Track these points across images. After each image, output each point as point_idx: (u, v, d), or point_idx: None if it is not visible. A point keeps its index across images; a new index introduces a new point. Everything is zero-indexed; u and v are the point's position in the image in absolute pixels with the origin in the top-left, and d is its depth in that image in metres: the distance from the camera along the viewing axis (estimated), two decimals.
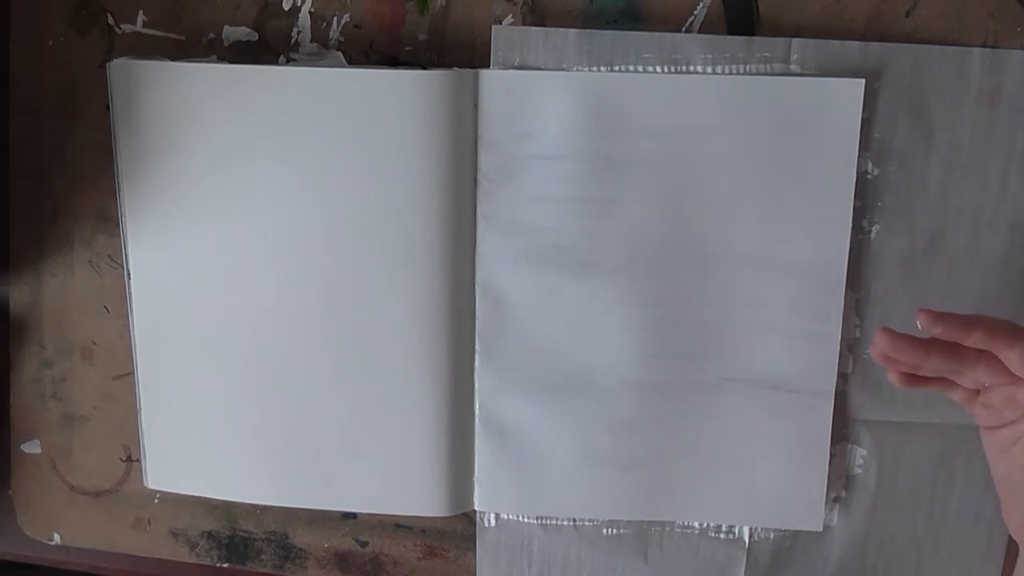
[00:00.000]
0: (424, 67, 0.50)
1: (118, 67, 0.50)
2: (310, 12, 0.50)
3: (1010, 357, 0.39)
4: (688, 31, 0.48)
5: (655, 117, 0.48)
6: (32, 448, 0.58)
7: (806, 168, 0.48)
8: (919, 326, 0.40)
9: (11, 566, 0.61)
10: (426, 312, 0.50)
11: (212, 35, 0.51)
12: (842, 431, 0.51)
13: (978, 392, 0.43)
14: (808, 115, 0.47)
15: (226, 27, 0.51)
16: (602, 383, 0.51)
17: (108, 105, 0.51)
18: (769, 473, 0.51)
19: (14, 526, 0.59)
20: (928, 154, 0.48)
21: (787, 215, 0.48)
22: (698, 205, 0.49)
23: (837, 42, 0.47)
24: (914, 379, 0.43)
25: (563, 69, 0.49)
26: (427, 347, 0.51)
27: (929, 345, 0.41)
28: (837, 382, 0.50)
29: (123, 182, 0.52)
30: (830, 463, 0.51)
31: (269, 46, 0.51)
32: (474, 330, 0.51)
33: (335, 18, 0.50)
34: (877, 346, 0.41)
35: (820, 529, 0.52)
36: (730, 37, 0.48)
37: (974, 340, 0.39)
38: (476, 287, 0.51)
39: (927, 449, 0.51)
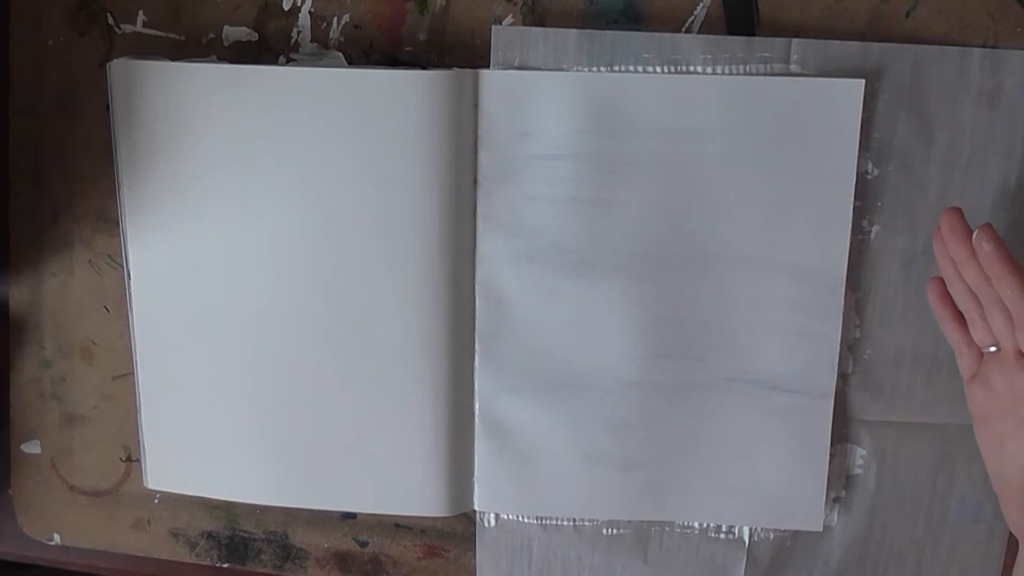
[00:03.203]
0: (424, 67, 0.50)
1: (118, 67, 0.50)
2: (310, 12, 0.51)
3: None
4: (688, 31, 0.48)
5: (655, 117, 0.48)
6: (32, 448, 0.58)
7: (806, 168, 0.48)
8: (976, 234, 0.41)
9: (11, 566, 0.61)
10: (426, 312, 0.50)
11: (212, 35, 0.51)
12: (842, 431, 0.51)
13: (981, 356, 0.43)
14: (808, 115, 0.47)
15: (226, 27, 0.51)
16: (602, 383, 0.51)
17: (108, 105, 0.51)
18: (769, 473, 0.51)
19: (14, 526, 0.59)
20: (928, 154, 0.48)
21: (787, 215, 0.48)
22: (698, 205, 0.49)
23: (837, 42, 0.47)
24: (943, 296, 0.45)
25: (563, 69, 0.49)
26: (427, 347, 0.51)
27: (974, 254, 0.42)
28: (837, 382, 0.50)
29: (123, 182, 0.52)
30: (830, 463, 0.51)
31: (269, 46, 0.51)
32: (474, 330, 0.51)
33: (335, 18, 0.50)
34: (943, 220, 0.43)
35: (820, 529, 0.52)
36: (730, 37, 0.48)
37: (1010, 283, 0.40)
38: (476, 287, 0.51)
39: (927, 449, 0.51)
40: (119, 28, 0.52)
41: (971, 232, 0.42)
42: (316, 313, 0.51)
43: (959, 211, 0.43)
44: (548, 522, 0.54)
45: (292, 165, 0.50)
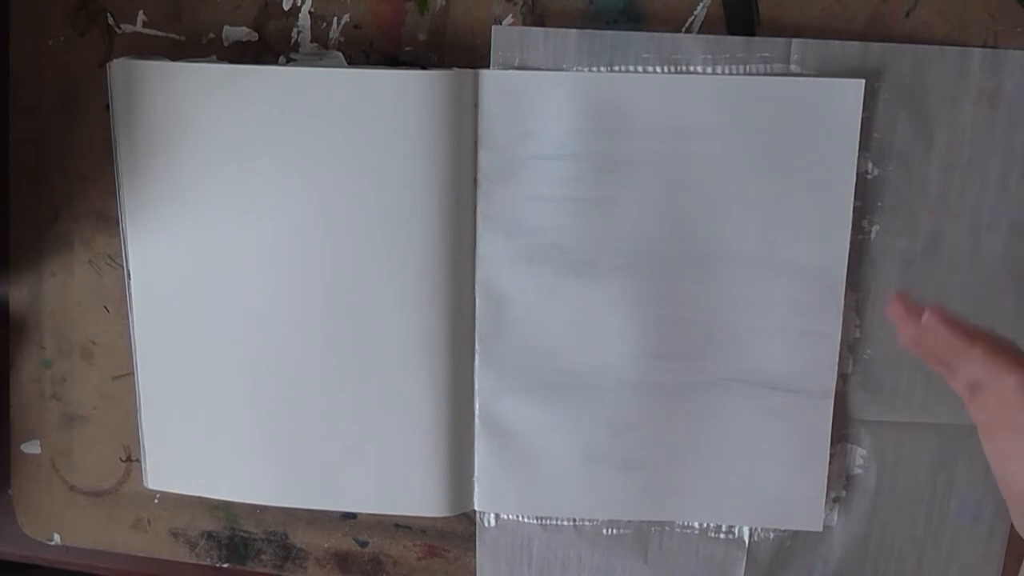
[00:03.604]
0: (424, 67, 0.50)
1: (118, 67, 0.50)
2: (310, 12, 0.51)
3: (1003, 387, 0.39)
4: (688, 31, 0.48)
5: (655, 117, 0.48)
6: (32, 448, 0.58)
7: (806, 168, 0.48)
8: (924, 319, 0.39)
9: (11, 566, 0.61)
10: (426, 312, 0.50)
11: (212, 35, 0.51)
12: (842, 431, 0.51)
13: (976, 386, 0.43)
14: (808, 115, 0.47)
15: (226, 27, 0.51)
16: (602, 383, 0.51)
17: (108, 105, 0.51)
18: (769, 473, 0.51)
19: (14, 526, 0.59)
20: (928, 154, 0.48)
21: (787, 215, 0.48)
22: (698, 205, 0.49)
23: (837, 42, 0.47)
24: (914, 341, 0.42)
25: (563, 69, 0.49)
26: (427, 347, 0.51)
27: (928, 337, 0.39)
28: (837, 382, 0.50)
29: (123, 182, 0.52)
30: (830, 463, 0.51)
31: (269, 46, 0.51)
32: (474, 330, 0.51)
33: (335, 18, 0.50)
34: (890, 308, 0.40)
35: (820, 529, 0.52)
36: (730, 37, 0.48)
37: (973, 357, 0.38)
38: (476, 287, 0.51)
39: (927, 449, 0.51)
40: (119, 28, 0.52)
41: (918, 315, 0.39)
42: (316, 313, 0.51)
43: (905, 297, 0.40)
44: (548, 522, 0.54)
45: (292, 165, 0.50)
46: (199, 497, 0.56)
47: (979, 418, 0.43)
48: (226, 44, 0.51)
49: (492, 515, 0.54)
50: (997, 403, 0.39)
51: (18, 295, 0.56)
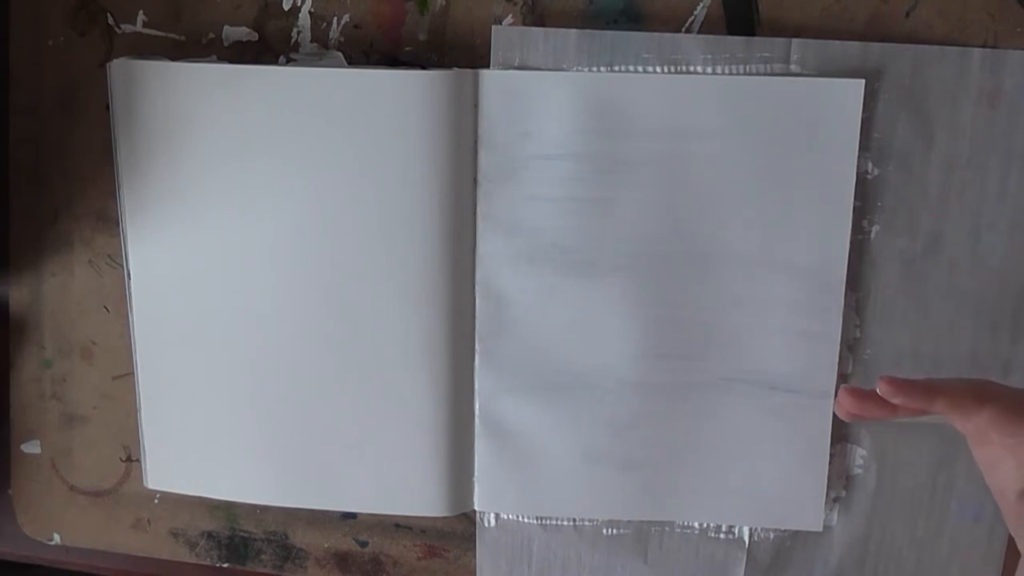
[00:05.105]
0: (424, 67, 0.50)
1: (118, 67, 0.50)
2: (310, 12, 0.51)
3: (979, 424, 0.38)
4: (688, 31, 0.48)
5: (655, 117, 0.48)
6: (32, 448, 0.58)
7: (806, 168, 0.48)
8: (879, 392, 0.38)
9: (11, 566, 0.61)
10: (426, 312, 0.50)
11: (212, 35, 0.51)
12: (842, 431, 0.51)
13: None
14: (808, 115, 0.47)
15: (226, 27, 0.51)
16: (602, 383, 0.51)
17: (108, 105, 0.51)
18: (769, 473, 0.51)
19: (14, 526, 0.59)
20: (928, 154, 0.48)
21: (787, 215, 0.48)
22: (698, 205, 0.49)
23: (837, 42, 0.47)
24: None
25: (563, 69, 0.49)
26: (427, 347, 0.51)
27: (895, 408, 0.39)
28: (837, 382, 0.50)
29: (123, 182, 0.52)
30: (830, 463, 0.51)
31: (269, 46, 0.51)
32: (474, 330, 0.51)
33: (335, 18, 0.50)
34: (841, 404, 0.40)
35: (820, 529, 0.52)
36: (730, 37, 0.48)
37: (939, 409, 0.38)
38: (476, 287, 0.51)
39: (927, 449, 0.51)
40: (119, 28, 0.52)
41: (877, 399, 0.39)
42: (316, 313, 0.51)
43: (849, 390, 0.40)
44: (548, 522, 0.54)
45: (292, 165, 0.50)
46: (199, 497, 0.56)
47: (964, 431, 0.43)
48: (226, 44, 0.52)
49: (492, 515, 0.54)
50: (976, 429, 0.39)
51: (18, 295, 0.56)
